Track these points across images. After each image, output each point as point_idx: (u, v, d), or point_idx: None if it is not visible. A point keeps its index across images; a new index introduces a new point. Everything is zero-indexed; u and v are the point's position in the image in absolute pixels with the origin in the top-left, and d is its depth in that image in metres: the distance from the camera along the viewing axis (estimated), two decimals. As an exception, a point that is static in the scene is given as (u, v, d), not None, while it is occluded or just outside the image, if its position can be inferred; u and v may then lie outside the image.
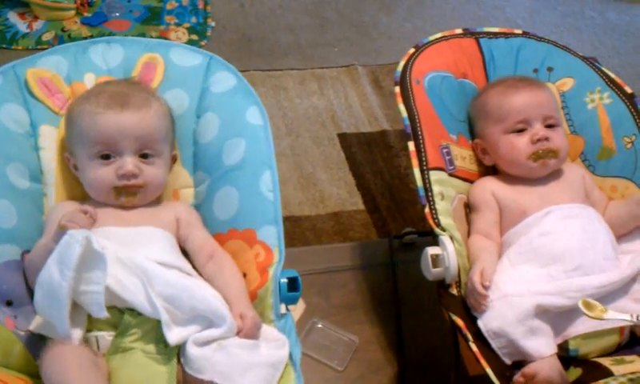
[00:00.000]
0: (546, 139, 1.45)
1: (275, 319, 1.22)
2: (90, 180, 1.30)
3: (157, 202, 1.38)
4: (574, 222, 1.38)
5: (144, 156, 1.30)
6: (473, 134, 1.59)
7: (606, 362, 1.26)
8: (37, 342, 1.18)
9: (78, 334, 1.11)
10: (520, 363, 1.26)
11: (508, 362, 1.26)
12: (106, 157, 1.29)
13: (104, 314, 1.09)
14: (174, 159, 1.41)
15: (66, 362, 1.06)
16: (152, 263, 1.19)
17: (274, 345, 1.16)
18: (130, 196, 1.31)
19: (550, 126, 1.47)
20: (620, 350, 1.32)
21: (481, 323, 1.28)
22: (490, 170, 1.56)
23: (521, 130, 1.47)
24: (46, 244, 1.19)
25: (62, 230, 1.14)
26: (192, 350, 1.12)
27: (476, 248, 1.38)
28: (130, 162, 1.28)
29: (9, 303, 1.20)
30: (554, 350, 1.25)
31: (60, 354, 1.08)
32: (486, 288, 1.28)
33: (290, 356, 1.17)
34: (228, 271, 1.28)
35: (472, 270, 1.32)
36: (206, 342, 1.13)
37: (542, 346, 1.24)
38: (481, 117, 1.54)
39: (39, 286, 1.12)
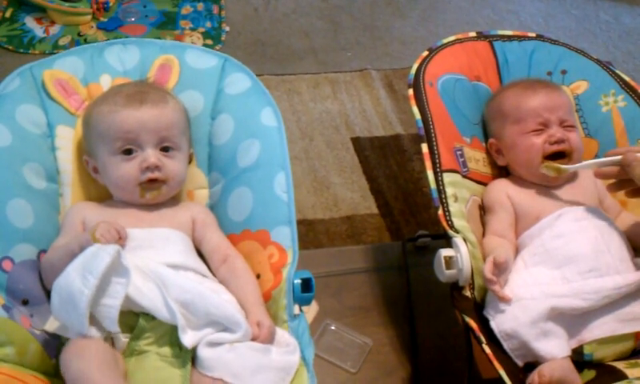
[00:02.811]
0: (563, 141, 1.45)
1: (289, 320, 1.22)
2: (115, 178, 1.31)
3: (174, 202, 1.39)
4: (589, 224, 1.37)
5: (165, 149, 1.32)
6: (487, 135, 1.59)
7: (620, 365, 1.25)
8: (53, 341, 1.19)
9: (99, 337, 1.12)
10: (532, 365, 1.26)
11: (520, 363, 1.26)
12: (128, 152, 1.30)
13: (115, 329, 1.10)
14: (190, 158, 1.42)
15: (87, 358, 1.07)
16: (168, 269, 1.20)
17: (285, 350, 1.17)
18: (154, 191, 1.32)
19: (566, 128, 1.47)
20: (635, 354, 1.31)
21: (494, 324, 1.27)
22: (503, 172, 1.56)
23: (538, 131, 1.47)
24: (67, 246, 1.21)
25: (89, 240, 1.16)
26: (204, 350, 1.13)
27: (490, 246, 1.38)
28: (152, 155, 1.30)
29: (25, 302, 1.21)
30: (567, 352, 1.24)
31: (81, 350, 1.08)
32: (498, 267, 1.28)
33: (303, 357, 1.17)
34: (242, 276, 1.28)
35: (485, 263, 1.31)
36: (219, 344, 1.14)
37: (554, 348, 1.23)
38: (497, 117, 1.54)
39: (56, 292, 1.12)
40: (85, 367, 1.05)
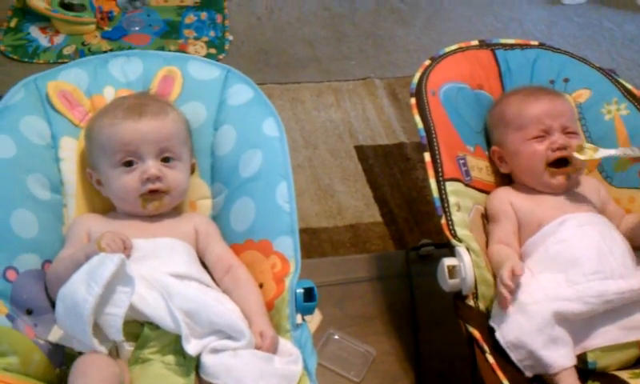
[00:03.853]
0: (565, 148, 1.45)
1: (291, 329, 1.22)
2: (116, 190, 1.32)
3: (177, 213, 1.40)
4: (592, 229, 1.37)
5: (166, 160, 1.33)
6: (489, 142, 1.59)
7: (624, 375, 1.25)
8: (57, 351, 1.19)
9: (104, 348, 1.12)
10: (540, 376, 1.25)
11: (529, 374, 1.25)
12: (128, 164, 1.31)
13: (120, 338, 1.10)
14: (192, 169, 1.42)
15: (89, 377, 1.07)
16: (172, 278, 1.21)
17: (288, 360, 1.17)
18: (155, 202, 1.32)
19: (568, 134, 1.47)
20: (639, 363, 1.31)
21: (499, 335, 1.27)
22: (506, 180, 1.56)
23: (540, 138, 1.47)
24: (73, 256, 1.21)
25: (95, 249, 1.16)
26: (208, 357, 1.13)
27: (503, 253, 1.38)
28: (152, 166, 1.30)
29: (29, 312, 1.22)
30: (573, 361, 1.24)
31: (86, 368, 1.09)
32: (516, 276, 1.27)
33: (306, 366, 1.17)
34: (245, 286, 1.29)
35: (502, 268, 1.30)
36: (222, 350, 1.14)
37: (561, 357, 1.23)
38: (500, 124, 1.54)
39: (61, 301, 1.12)
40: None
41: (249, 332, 1.16)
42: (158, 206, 1.33)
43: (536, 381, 1.26)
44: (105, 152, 1.32)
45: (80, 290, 1.09)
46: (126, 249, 1.21)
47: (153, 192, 1.31)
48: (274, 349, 1.18)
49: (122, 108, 1.34)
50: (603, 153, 1.42)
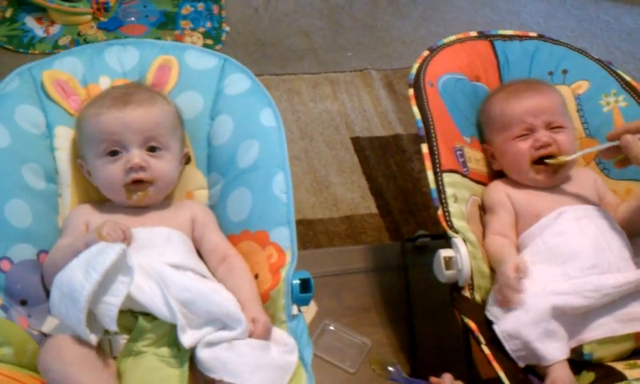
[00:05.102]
0: (549, 145, 1.44)
1: (287, 320, 1.22)
2: (102, 180, 1.32)
3: (171, 202, 1.39)
4: (589, 222, 1.37)
5: (152, 149, 1.32)
6: (482, 138, 1.58)
7: (619, 366, 1.25)
8: (51, 342, 1.19)
9: (94, 337, 1.10)
10: (533, 367, 1.26)
11: (521, 364, 1.25)
12: (113, 153, 1.30)
13: (114, 328, 1.09)
14: (186, 158, 1.42)
15: (66, 352, 1.07)
16: (168, 267, 1.20)
17: (284, 349, 1.17)
18: (140, 192, 1.31)
19: (553, 129, 1.46)
20: (635, 355, 1.31)
21: (495, 325, 1.27)
22: (502, 173, 1.55)
23: (523, 136, 1.46)
24: (72, 244, 1.20)
25: (95, 238, 1.16)
26: (203, 351, 1.12)
27: (500, 245, 1.37)
28: (136, 155, 1.29)
29: (23, 302, 1.21)
30: (566, 354, 1.24)
31: (60, 344, 1.08)
32: (522, 272, 1.27)
33: (302, 357, 1.17)
34: (238, 273, 1.28)
35: (504, 265, 1.29)
36: (217, 343, 1.13)
37: (555, 349, 1.23)
38: (487, 124, 1.55)
39: (57, 287, 1.12)
40: (68, 370, 1.06)
41: (245, 320, 1.16)
42: (142, 196, 1.32)
43: (528, 371, 1.26)
44: (90, 142, 1.31)
45: (77, 276, 1.08)
46: (126, 239, 1.20)
47: (137, 182, 1.30)
48: (266, 334, 1.17)
49: (109, 97, 1.33)
50: (571, 156, 1.44)
